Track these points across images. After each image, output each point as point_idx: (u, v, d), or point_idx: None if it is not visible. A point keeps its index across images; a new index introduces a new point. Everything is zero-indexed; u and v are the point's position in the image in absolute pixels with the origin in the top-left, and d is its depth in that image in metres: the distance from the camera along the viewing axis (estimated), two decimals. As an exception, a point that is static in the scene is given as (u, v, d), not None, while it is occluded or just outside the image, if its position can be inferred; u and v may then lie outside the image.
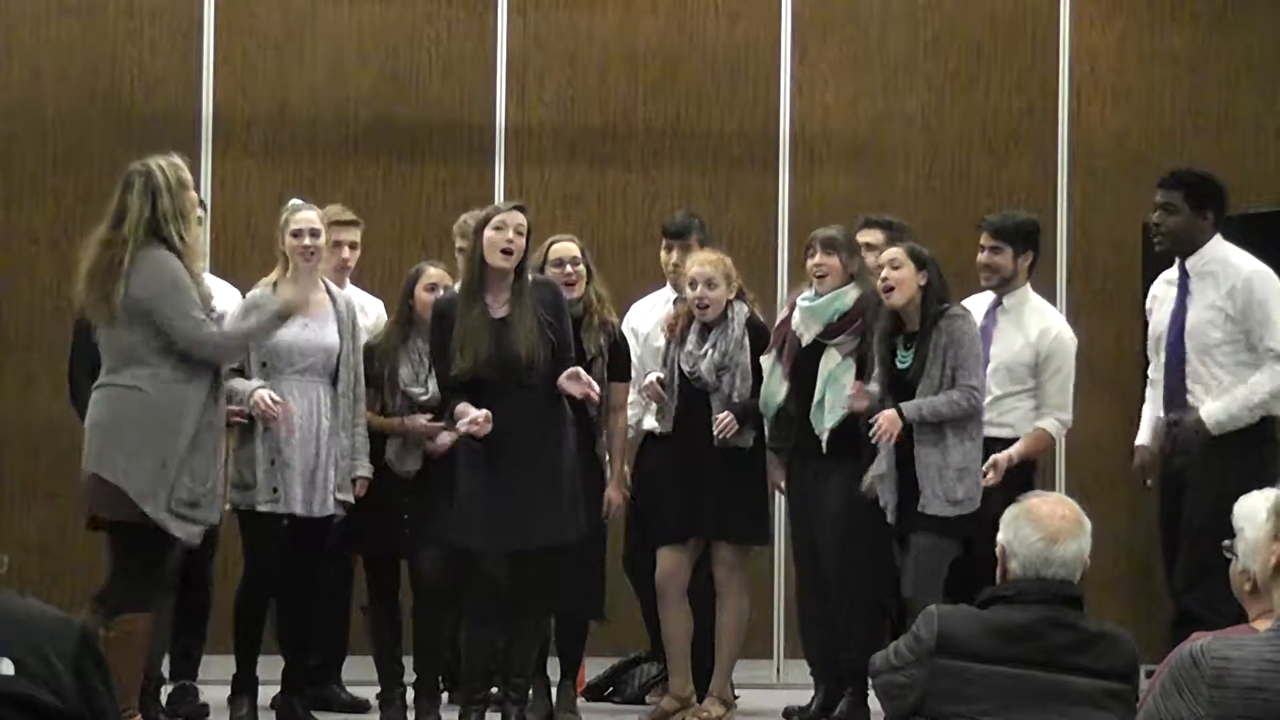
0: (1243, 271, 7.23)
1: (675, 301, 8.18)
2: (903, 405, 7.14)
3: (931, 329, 7.18)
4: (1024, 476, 7.39)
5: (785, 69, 9.77)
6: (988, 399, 7.40)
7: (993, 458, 7.32)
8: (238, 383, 7.25)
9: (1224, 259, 7.28)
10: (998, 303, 7.67)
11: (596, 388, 7.29)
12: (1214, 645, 3.69)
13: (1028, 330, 7.61)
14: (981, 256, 7.68)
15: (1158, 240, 7.44)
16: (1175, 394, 7.31)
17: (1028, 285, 7.74)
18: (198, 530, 6.73)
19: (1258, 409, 7.17)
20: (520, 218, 7.29)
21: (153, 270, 6.67)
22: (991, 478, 7.27)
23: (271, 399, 7.18)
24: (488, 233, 7.26)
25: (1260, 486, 6.92)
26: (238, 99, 9.46)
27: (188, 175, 6.83)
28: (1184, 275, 7.34)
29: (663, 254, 8.37)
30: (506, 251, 7.23)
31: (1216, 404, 7.18)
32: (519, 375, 7.19)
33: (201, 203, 8.12)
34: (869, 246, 7.81)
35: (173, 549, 6.77)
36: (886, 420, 7.14)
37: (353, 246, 8.25)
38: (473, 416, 7.11)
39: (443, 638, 7.64)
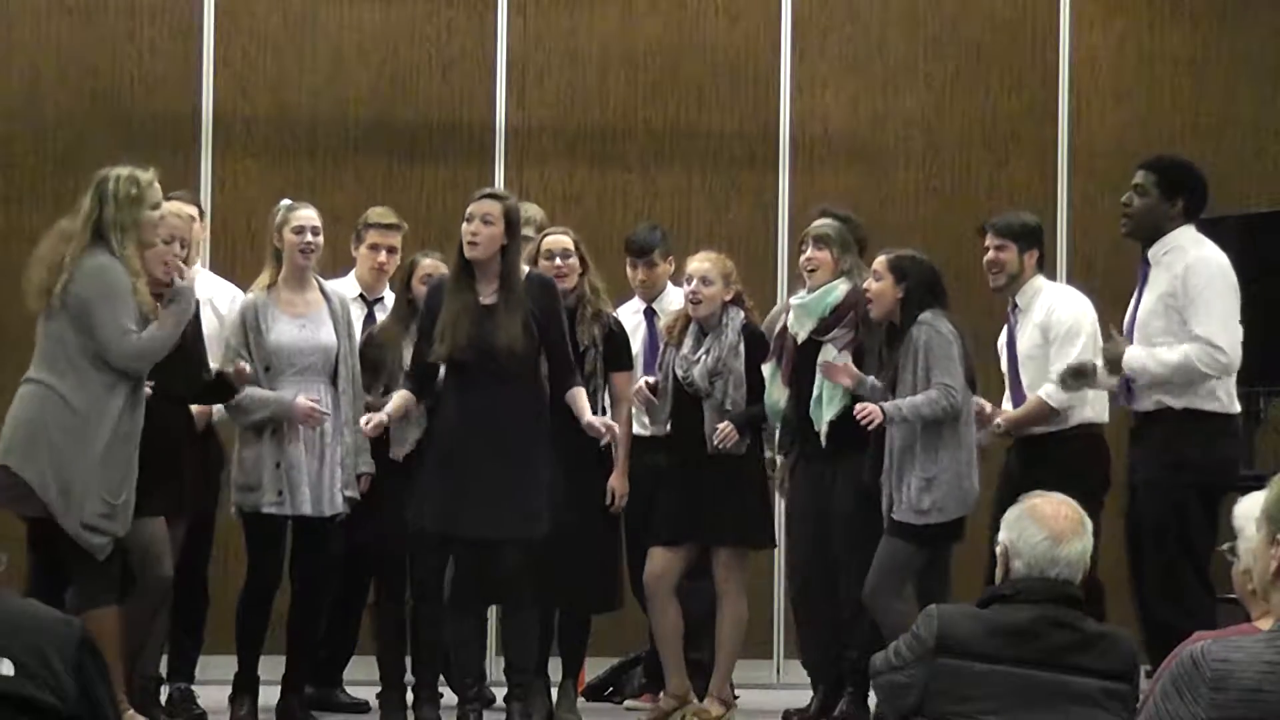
0: (1188, 257, 7.08)
1: (645, 313, 8.26)
2: (885, 405, 7.22)
3: (903, 337, 7.24)
4: (1085, 480, 7.09)
5: (785, 69, 9.77)
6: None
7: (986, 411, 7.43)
8: (256, 392, 7.26)
9: (1180, 247, 7.13)
10: (1013, 305, 7.66)
11: (616, 430, 7.39)
12: (1214, 647, 3.68)
13: (1035, 316, 7.60)
14: (987, 255, 7.68)
15: (1122, 221, 7.34)
16: (1121, 385, 7.26)
17: (1038, 276, 7.69)
18: (105, 542, 6.66)
19: (1168, 368, 6.99)
20: (488, 206, 7.29)
21: (93, 271, 6.69)
22: (983, 436, 7.39)
23: (314, 402, 7.21)
24: (462, 225, 7.30)
25: (1213, 487, 6.96)
26: (238, 99, 9.46)
27: (147, 192, 6.79)
28: (1145, 264, 7.24)
29: (628, 270, 8.39)
30: (472, 243, 7.26)
31: (1142, 350, 7.07)
32: (497, 363, 7.20)
33: (200, 209, 8.14)
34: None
35: (97, 551, 6.66)
36: (870, 408, 7.24)
37: (391, 251, 8.19)
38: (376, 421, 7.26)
39: (440, 638, 7.66)
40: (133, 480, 6.71)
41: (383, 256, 8.18)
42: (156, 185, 6.89)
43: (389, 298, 8.23)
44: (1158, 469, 7.04)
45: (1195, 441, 7.02)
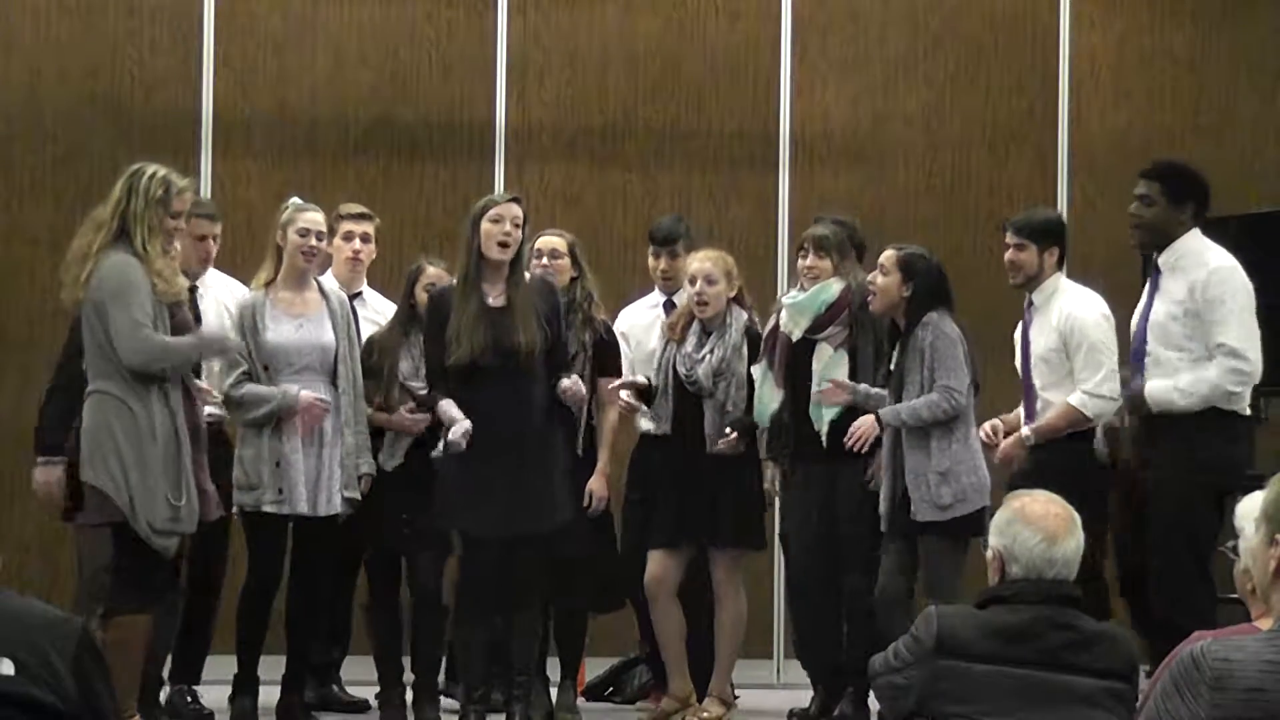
0: (1208, 266, 7.13)
1: (665, 306, 8.19)
2: (881, 411, 7.23)
3: (909, 338, 7.22)
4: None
5: (785, 69, 9.77)
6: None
7: (1010, 437, 7.34)
8: (258, 389, 7.26)
9: (1194, 252, 7.17)
10: (1030, 302, 7.65)
11: (581, 389, 7.42)
12: (1214, 647, 3.68)
13: (1052, 318, 7.57)
14: (1007, 254, 7.64)
15: (1133, 234, 7.36)
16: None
17: (1058, 275, 7.60)
18: (175, 543, 6.72)
19: (1196, 398, 7.07)
20: (517, 209, 7.39)
21: (108, 270, 6.70)
22: (998, 452, 7.31)
23: (319, 400, 7.22)
24: (485, 224, 7.34)
25: (1224, 487, 6.96)
26: (238, 99, 9.46)
27: (175, 199, 6.79)
28: (1155, 271, 7.28)
29: (650, 260, 8.37)
30: (504, 244, 7.32)
31: (1161, 382, 7.13)
32: (517, 362, 7.25)
33: (214, 214, 8.11)
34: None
35: (168, 551, 6.76)
36: (864, 426, 7.29)
37: (365, 239, 8.22)
38: (464, 430, 7.19)
39: (441, 638, 7.67)
40: (189, 477, 6.72)
41: (356, 244, 8.18)
42: (187, 196, 6.89)
43: (368, 293, 8.24)
44: (1174, 468, 7.05)
45: (1215, 442, 7.07)
